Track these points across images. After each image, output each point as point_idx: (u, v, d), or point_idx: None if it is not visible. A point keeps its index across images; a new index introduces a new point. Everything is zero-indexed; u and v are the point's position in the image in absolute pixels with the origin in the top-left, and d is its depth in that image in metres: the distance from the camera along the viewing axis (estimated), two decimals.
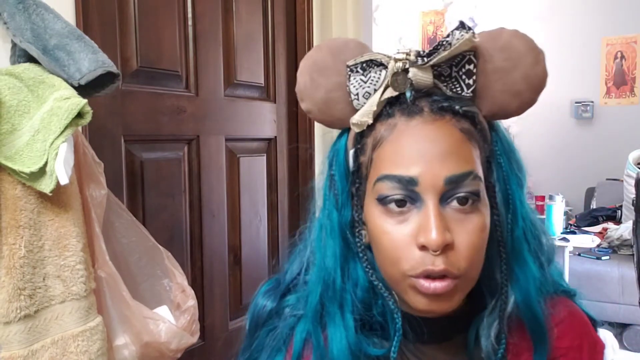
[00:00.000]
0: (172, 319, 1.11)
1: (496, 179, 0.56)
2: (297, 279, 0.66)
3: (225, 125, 1.63)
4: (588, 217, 3.58)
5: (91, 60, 0.94)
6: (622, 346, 2.91)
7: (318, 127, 1.93)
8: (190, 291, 1.20)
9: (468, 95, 0.53)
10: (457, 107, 0.53)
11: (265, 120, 1.81)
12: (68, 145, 0.88)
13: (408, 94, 0.54)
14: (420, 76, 0.53)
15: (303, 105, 0.61)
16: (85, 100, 0.89)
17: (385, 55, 0.56)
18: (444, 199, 0.52)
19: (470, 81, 0.53)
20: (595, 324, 0.63)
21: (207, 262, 1.57)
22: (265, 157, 1.83)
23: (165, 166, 1.44)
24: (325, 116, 0.60)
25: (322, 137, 1.94)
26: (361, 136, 0.57)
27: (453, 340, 0.59)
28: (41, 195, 0.89)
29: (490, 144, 0.56)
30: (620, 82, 4.21)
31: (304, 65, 0.60)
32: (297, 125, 1.92)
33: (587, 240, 2.88)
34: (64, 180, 0.85)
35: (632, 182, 2.86)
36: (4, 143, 0.88)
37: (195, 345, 1.40)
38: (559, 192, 2.84)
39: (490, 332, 0.57)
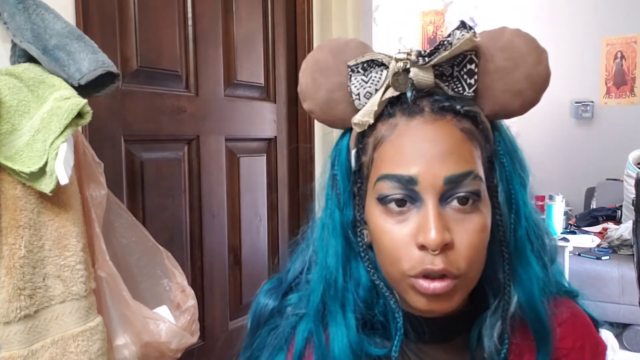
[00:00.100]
0: (172, 319, 1.11)
1: (499, 179, 0.56)
2: (299, 278, 0.66)
3: (225, 125, 1.63)
4: (588, 217, 3.58)
5: (91, 60, 0.94)
6: (622, 346, 2.91)
7: (318, 127, 1.93)
8: (190, 291, 1.20)
9: (470, 95, 0.53)
10: (458, 107, 0.53)
11: (265, 120, 1.81)
12: (68, 145, 0.88)
13: (409, 94, 0.54)
14: (421, 76, 0.53)
15: (305, 106, 0.61)
16: (85, 100, 0.89)
17: (386, 55, 0.56)
18: (444, 198, 0.52)
19: (472, 81, 0.53)
20: (597, 324, 0.63)
21: (207, 262, 1.57)
22: (265, 157, 1.83)
23: (165, 166, 1.44)
24: (327, 116, 0.60)
25: (322, 137, 1.94)
26: (363, 136, 0.57)
27: (455, 340, 0.59)
28: (41, 195, 0.89)
29: (492, 143, 0.56)
30: (620, 82, 4.21)
31: (305, 65, 0.60)
32: (297, 125, 1.92)
33: (587, 240, 2.88)
34: (64, 180, 0.85)
35: (632, 182, 2.86)
36: (4, 143, 0.88)
37: (195, 345, 1.40)
38: (559, 192, 2.84)
39: (493, 333, 0.57)
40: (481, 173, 0.53)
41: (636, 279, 2.53)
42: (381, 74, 0.55)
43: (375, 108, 0.54)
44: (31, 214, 0.89)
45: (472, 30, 0.51)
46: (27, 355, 0.88)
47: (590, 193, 4.05)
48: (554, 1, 4.36)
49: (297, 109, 1.91)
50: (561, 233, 2.88)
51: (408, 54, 0.54)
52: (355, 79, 0.56)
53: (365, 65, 0.56)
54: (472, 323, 0.59)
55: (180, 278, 1.19)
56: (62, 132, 0.87)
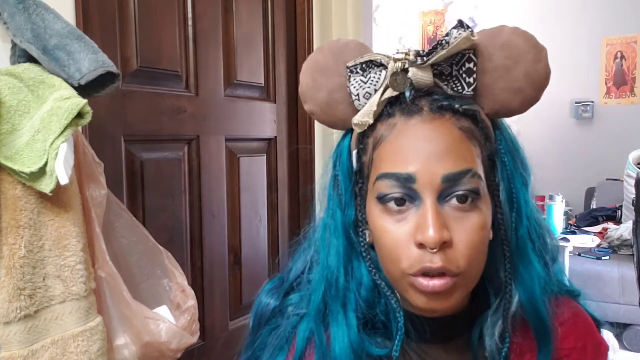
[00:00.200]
0: (172, 319, 1.11)
1: (500, 178, 0.56)
2: (300, 277, 0.66)
3: (225, 125, 1.63)
4: (588, 217, 3.58)
5: (91, 60, 0.94)
6: (622, 346, 2.91)
7: (318, 127, 1.93)
8: (190, 291, 1.20)
9: (469, 93, 0.53)
10: (456, 106, 0.53)
11: (265, 120, 1.81)
12: (68, 145, 0.88)
13: (407, 94, 0.55)
14: (419, 75, 0.54)
15: (306, 107, 0.62)
16: (85, 100, 0.89)
17: (385, 55, 0.56)
18: (442, 197, 0.52)
19: (471, 79, 0.53)
20: (599, 324, 0.63)
21: (207, 262, 1.57)
22: (265, 157, 1.83)
23: (165, 166, 1.44)
24: (327, 117, 0.60)
25: (323, 137, 1.94)
26: (363, 136, 0.57)
27: (457, 339, 0.59)
28: (41, 195, 0.89)
29: (493, 142, 0.56)
30: (620, 82, 4.21)
31: (306, 66, 0.61)
32: (297, 126, 1.92)
33: (587, 240, 2.88)
34: (64, 180, 0.85)
35: (632, 182, 2.86)
36: (4, 143, 0.88)
37: (195, 345, 1.40)
38: (559, 192, 2.85)
39: (494, 332, 0.57)
40: (480, 171, 0.53)
41: (636, 279, 2.53)
42: (380, 74, 0.56)
43: (375, 108, 0.54)
44: (31, 214, 0.89)
45: (470, 29, 0.51)
46: (27, 355, 0.88)
47: (590, 193, 4.05)
48: (554, 1, 4.36)
49: (297, 109, 1.91)
50: (561, 233, 2.88)
51: (406, 54, 0.54)
52: (354, 79, 0.57)
53: (364, 65, 0.56)
54: (473, 323, 0.59)
55: (180, 278, 1.19)
56: (62, 132, 0.87)
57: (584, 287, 0.66)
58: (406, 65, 0.54)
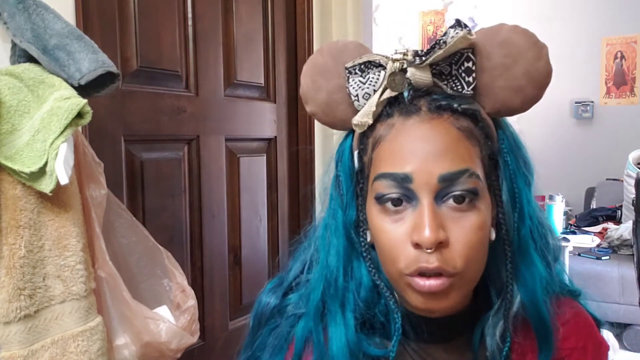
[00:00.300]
0: (172, 319, 1.11)
1: (503, 177, 0.56)
2: (300, 277, 0.66)
3: (225, 125, 1.63)
4: (588, 217, 3.58)
5: (91, 60, 0.94)
6: (622, 346, 2.91)
7: (318, 127, 1.93)
8: (190, 291, 1.20)
9: (469, 93, 0.53)
10: (455, 105, 0.53)
11: (265, 120, 1.81)
12: (68, 145, 0.88)
13: (405, 94, 0.55)
14: (418, 75, 0.53)
15: (307, 108, 0.62)
16: (85, 100, 0.89)
17: (383, 56, 0.56)
18: (439, 197, 0.52)
19: (470, 79, 0.53)
20: (599, 324, 0.63)
21: (207, 262, 1.57)
22: (265, 157, 1.83)
23: (165, 166, 1.44)
24: (328, 118, 0.61)
25: (323, 137, 1.94)
26: (364, 136, 0.57)
27: (457, 340, 0.59)
28: (41, 195, 0.89)
29: (495, 141, 0.56)
30: (620, 82, 4.21)
31: (306, 68, 0.61)
32: (297, 126, 1.92)
33: (587, 240, 2.88)
34: (64, 180, 0.85)
35: (632, 182, 2.86)
36: (4, 143, 0.88)
37: (195, 345, 1.40)
38: (559, 192, 2.85)
39: (496, 332, 0.57)
40: (479, 171, 0.53)
41: (636, 279, 2.53)
42: (379, 75, 0.56)
43: (374, 109, 0.55)
44: (31, 214, 0.89)
45: (467, 28, 0.51)
46: (27, 355, 0.88)
47: (590, 193, 4.05)
48: (554, 1, 4.36)
49: (297, 109, 1.91)
50: (561, 233, 2.88)
51: (404, 54, 0.54)
52: (353, 80, 0.57)
53: (362, 66, 0.56)
54: (474, 323, 0.59)
55: (180, 278, 1.19)
56: (62, 132, 0.87)
57: (584, 287, 0.65)
58: (404, 66, 0.54)
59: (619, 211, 3.51)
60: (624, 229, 3.17)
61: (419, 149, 0.52)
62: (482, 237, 0.53)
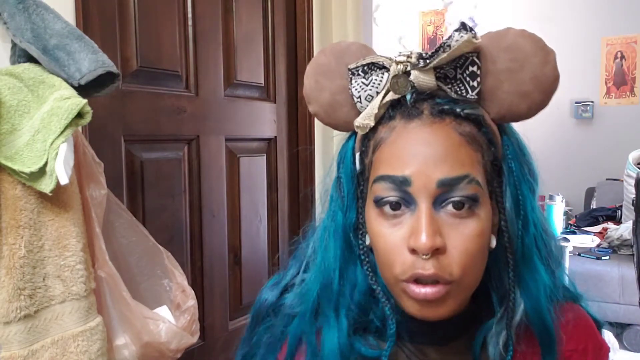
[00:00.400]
0: (172, 319, 1.11)
1: (507, 184, 0.55)
2: (297, 276, 0.66)
3: (225, 125, 1.63)
4: (588, 217, 3.58)
5: (91, 60, 0.94)
6: (622, 346, 2.91)
7: (318, 127, 1.93)
8: (190, 291, 1.20)
9: (473, 97, 0.52)
10: (458, 110, 0.53)
11: (265, 120, 1.81)
12: (68, 145, 0.88)
13: (408, 97, 0.54)
14: (422, 78, 0.53)
15: (310, 108, 0.61)
16: (85, 100, 0.89)
17: (387, 57, 0.56)
18: (438, 202, 0.51)
19: (475, 83, 0.52)
20: (600, 326, 0.63)
21: (207, 262, 1.57)
22: (265, 157, 1.83)
23: (165, 166, 1.44)
24: (331, 119, 0.60)
25: (323, 137, 1.94)
26: (365, 138, 0.57)
27: (456, 342, 0.59)
28: (41, 195, 0.89)
29: (499, 147, 0.55)
30: (620, 82, 4.21)
31: (309, 68, 0.61)
32: (297, 126, 1.92)
33: (587, 240, 2.88)
34: (64, 180, 0.85)
35: (632, 182, 2.86)
36: (4, 143, 0.88)
37: (195, 345, 1.40)
38: (559, 192, 2.84)
39: (499, 340, 0.56)
40: (479, 178, 0.52)
41: (636, 279, 2.53)
42: (382, 77, 0.55)
43: (376, 111, 0.54)
44: (31, 214, 0.89)
45: (472, 32, 0.50)
46: (27, 355, 0.88)
47: (590, 193, 4.05)
48: (554, 1, 4.36)
49: (297, 109, 1.91)
50: (561, 233, 2.88)
51: (408, 56, 0.53)
52: (356, 81, 0.56)
53: (365, 68, 0.56)
54: (473, 325, 0.59)
55: (180, 278, 1.19)
56: (62, 132, 0.87)
57: (584, 287, 0.65)
58: (408, 68, 0.53)
59: (619, 211, 3.51)
60: (624, 229, 3.17)
61: (418, 152, 0.51)
62: (481, 244, 0.52)
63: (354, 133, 0.60)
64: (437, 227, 0.50)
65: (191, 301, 1.18)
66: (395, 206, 0.52)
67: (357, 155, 0.58)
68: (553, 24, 4.25)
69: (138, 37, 1.33)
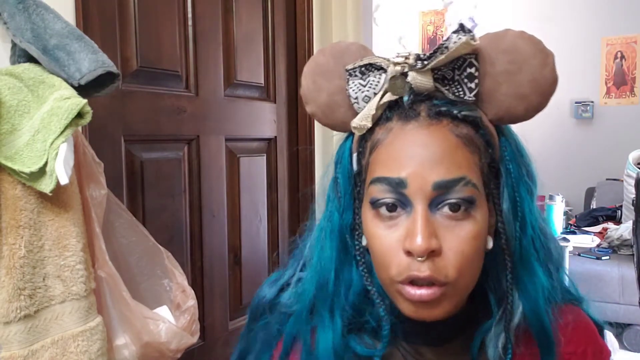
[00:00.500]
0: (172, 319, 1.11)
1: (504, 186, 0.55)
2: (294, 276, 0.66)
3: (225, 125, 1.63)
4: (588, 217, 3.58)
5: (91, 60, 0.94)
6: (622, 346, 2.91)
7: (318, 127, 1.93)
8: (190, 291, 1.20)
9: (471, 99, 0.52)
10: (455, 112, 0.52)
11: (265, 120, 1.81)
12: (68, 145, 0.88)
13: (405, 98, 0.54)
14: (419, 80, 0.52)
15: (308, 108, 0.61)
16: (85, 100, 0.89)
17: (385, 58, 0.55)
18: (434, 204, 0.51)
19: (473, 85, 0.52)
20: (601, 330, 0.63)
21: (207, 262, 1.57)
22: (265, 157, 1.83)
23: (165, 166, 1.44)
24: (328, 119, 0.60)
25: (323, 138, 1.94)
26: (363, 139, 0.57)
27: (453, 343, 0.59)
28: (41, 195, 0.89)
29: (497, 149, 0.55)
30: (620, 82, 4.21)
31: (307, 68, 0.61)
32: (297, 126, 1.92)
33: (587, 240, 2.89)
34: (64, 180, 0.85)
35: (632, 182, 2.86)
36: (4, 143, 0.88)
37: (195, 345, 1.40)
38: (559, 192, 2.85)
39: (498, 343, 0.56)
40: (476, 180, 0.52)
41: (636, 279, 2.53)
42: (379, 78, 0.55)
43: (373, 112, 0.54)
44: (31, 214, 0.89)
45: (471, 34, 0.50)
46: (27, 355, 0.88)
47: (590, 193, 4.05)
48: (554, 1, 4.36)
49: (297, 109, 1.91)
50: (561, 233, 2.88)
51: (406, 57, 0.53)
52: (353, 82, 0.56)
53: (363, 69, 0.56)
54: (470, 326, 0.59)
55: (180, 278, 1.19)
56: (62, 132, 0.87)
57: (584, 287, 0.65)
58: (406, 69, 0.53)
59: (619, 211, 3.51)
60: (624, 229, 3.17)
61: (415, 154, 0.51)
62: (477, 246, 0.52)
63: (352, 134, 0.60)
64: (433, 229, 0.50)
65: (191, 301, 1.18)
66: (392, 208, 0.52)
67: (355, 156, 0.58)
68: (553, 24, 4.25)
69: (138, 37, 1.33)
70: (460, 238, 0.51)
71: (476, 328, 0.58)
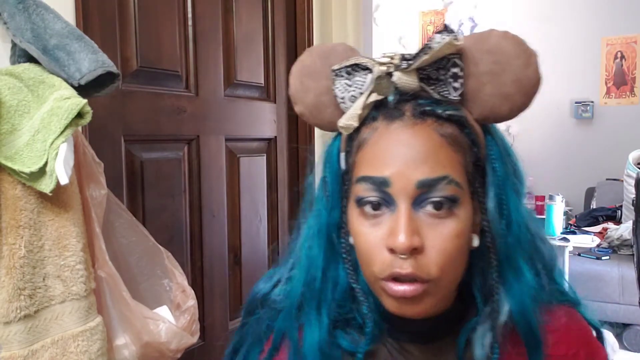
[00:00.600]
0: (172, 319, 1.11)
1: (490, 184, 0.55)
2: (286, 272, 0.67)
3: (225, 125, 1.63)
4: (588, 217, 3.58)
5: (91, 60, 0.94)
6: (622, 346, 2.91)
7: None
8: (190, 291, 1.20)
9: (456, 98, 0.53)
10: (439, 111, 0.53)
11: (265, 120, 1.81)
12: (68, 145, 0.88)
13: (390, 98, 0.55)
14: (404, 80, 0.53)
15: (296, 109, 0.62)
16: (85, 100, 0.89)
17: (371, 59, 0.56)
18: (417, 202, 0.51)
19: (457, 84, 0.52)
20: (599, 333, 0.62)
21: (207, 262, 1.57)
22: (265, 157, 1.83)
23: (165, 166, 1.44)
24: (316, 120, 0.61)
25: (322, 137, 1.94)
26: (350, 139, 0.57)
27: (441, 340, 0.59)
28: (41, 195, 0.89)
29: (482, 148, 0.55)
30: (620, 82, 4.21)
31: (294, 69, 0.62)
32: (297, 126, 1.92)
33: (587, 240, 2.89)
34: (64, 180, 0.85)
35: (632, 182, 2.86)
36: (4, 143, 0.88)
37: (195, 345, 1.40)
38: (559, 192, 2.85)
39: (484, 342, 0.56)
40: (459, 179, 0.52)
41: (636, 279, 2.53)
42: (365, 78, 0.55)
43: (359, 112, 0.55)
44: (31, 214, 0.89)
45: (454, 34, 0.51)
46: (27, 355, 0.88)
47: (590, 193, 4.05)
48: (554, 1, 4.36)
49: None
50: (561, 233, 2.88)
51: (391, 58, 0.54)
52: (339, 82, 0.57)
53: (349, 69, 0.56)
54: (459, 324, 0.59)
55: (180, 278, 1.19)
56: (62, 132, 0.87)
57: (584, 287, 0.65)
58: (391, 70, 0.54)
59: (619, 211, 3.51)
60: (624, 229, 3.18)
61: (399, 153, 0.52)
62: (460, 244, 0.52)
63: (340, 133, 0.60)
64: (416, 227, 0.51)
65: (191, 301, 1.18)
66: (376, 206, 0.53)
67: (342, 155, 0.59)
68: (553, 24, 4.25)
69: (138, 37, 1.33)
70: (443, 236, 0.51)
71: (464, 326, 0.58)
